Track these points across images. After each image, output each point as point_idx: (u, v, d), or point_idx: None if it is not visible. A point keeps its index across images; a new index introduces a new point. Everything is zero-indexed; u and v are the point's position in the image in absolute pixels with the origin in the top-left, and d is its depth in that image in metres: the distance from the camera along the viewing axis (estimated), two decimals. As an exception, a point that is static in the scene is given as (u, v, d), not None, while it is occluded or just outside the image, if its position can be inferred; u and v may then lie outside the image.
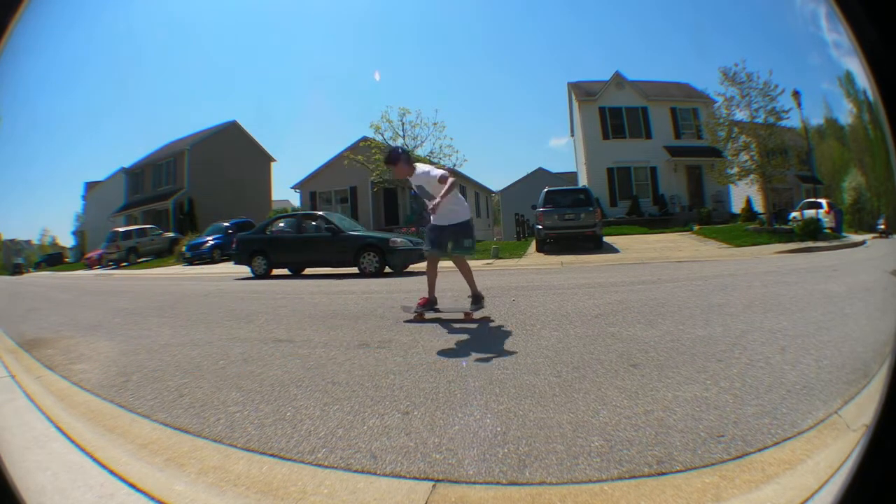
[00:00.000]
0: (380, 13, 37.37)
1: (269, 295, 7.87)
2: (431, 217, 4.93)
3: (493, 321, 4.84)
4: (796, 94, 14.65)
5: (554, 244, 13.85)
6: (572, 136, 25.43)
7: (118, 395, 3.16)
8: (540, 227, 13.84)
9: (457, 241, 5.06)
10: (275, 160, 26.93)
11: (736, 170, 15.97)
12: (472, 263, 13.23)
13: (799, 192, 16.95)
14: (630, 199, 21.16)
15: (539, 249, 14.10)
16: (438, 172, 4.91)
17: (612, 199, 21.11)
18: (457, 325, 4.73)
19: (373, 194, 22.06)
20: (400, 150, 5.22)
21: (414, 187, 5.20)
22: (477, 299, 5.03)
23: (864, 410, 2.08)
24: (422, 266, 11.58)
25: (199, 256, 15.51)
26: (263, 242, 11.42)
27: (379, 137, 18.49)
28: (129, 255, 17.99)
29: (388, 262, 10.33)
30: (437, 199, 4.72)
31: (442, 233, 5.04)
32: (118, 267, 17.65)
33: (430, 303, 5.08)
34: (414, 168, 5.09)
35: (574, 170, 25.36)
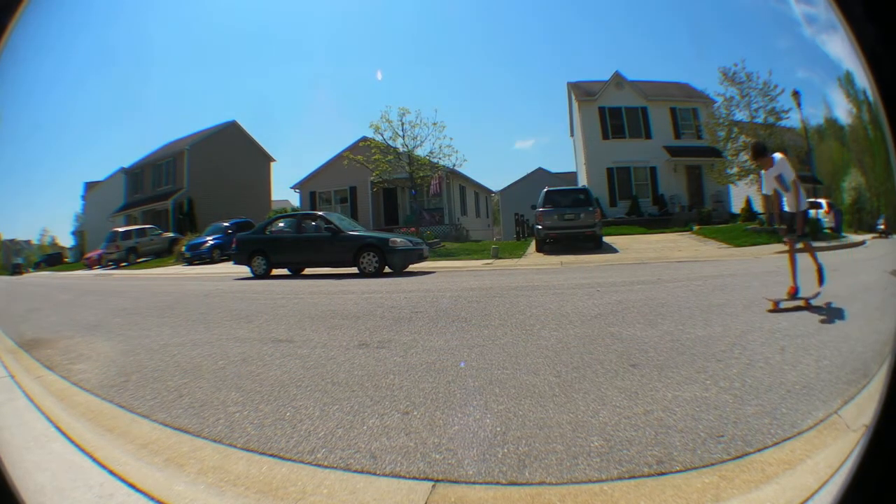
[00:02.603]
0: (380, 14, 37.37)
1: (269, 295, 7.87)
2: (789, 205, 5.18)
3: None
4: (796, 94, 14.65)
5: (554, 244, 13.84)
6: (572, 135, 25.43)
7: (118, 395, 3.16)
8: (540, 227, 13.84)
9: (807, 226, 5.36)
10: (275, 160, 26.89)
11: (736, 170, 15.95)
12: (471, 264, 13.09)
13: (799, 192, 16.90)
14: (630, 199, 21.14)
15: (539, 249, 14.10)
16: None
17: (611, 199, 21.09)
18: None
19: (372, 194, 22.05)
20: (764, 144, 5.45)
21: (772, 178, 5.22)
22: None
23: (864, 410, 2.09)
24: (421, 266, 11.61)
25: (198, 256, 15.49)
26: (263, 242, 11.41)
27: (379, 137, 18.49)
28: (128, 255, 17.95)
29: (388, 262, 10.33)
30: (797, 188, 5.09)
31: (794, 219, 5.23)
32: (118, 267, 17.63)
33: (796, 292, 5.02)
34: (771, 159, 5.21)
35: (574, 170, 25.35)
